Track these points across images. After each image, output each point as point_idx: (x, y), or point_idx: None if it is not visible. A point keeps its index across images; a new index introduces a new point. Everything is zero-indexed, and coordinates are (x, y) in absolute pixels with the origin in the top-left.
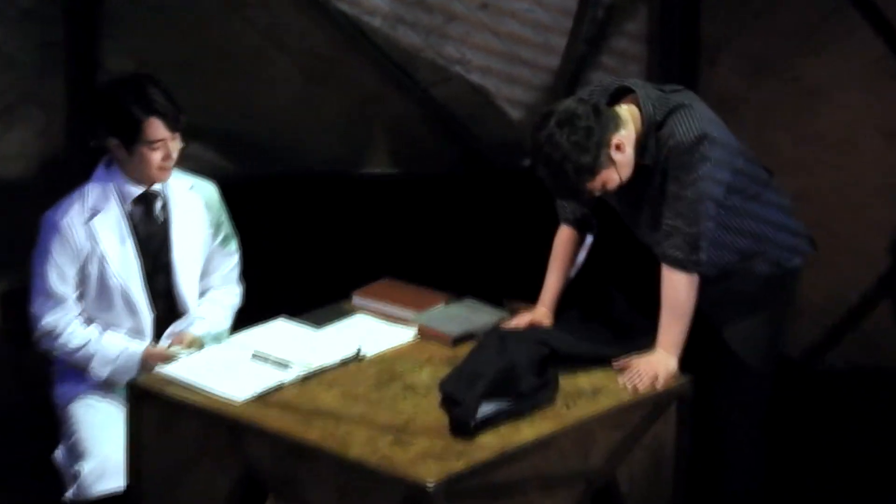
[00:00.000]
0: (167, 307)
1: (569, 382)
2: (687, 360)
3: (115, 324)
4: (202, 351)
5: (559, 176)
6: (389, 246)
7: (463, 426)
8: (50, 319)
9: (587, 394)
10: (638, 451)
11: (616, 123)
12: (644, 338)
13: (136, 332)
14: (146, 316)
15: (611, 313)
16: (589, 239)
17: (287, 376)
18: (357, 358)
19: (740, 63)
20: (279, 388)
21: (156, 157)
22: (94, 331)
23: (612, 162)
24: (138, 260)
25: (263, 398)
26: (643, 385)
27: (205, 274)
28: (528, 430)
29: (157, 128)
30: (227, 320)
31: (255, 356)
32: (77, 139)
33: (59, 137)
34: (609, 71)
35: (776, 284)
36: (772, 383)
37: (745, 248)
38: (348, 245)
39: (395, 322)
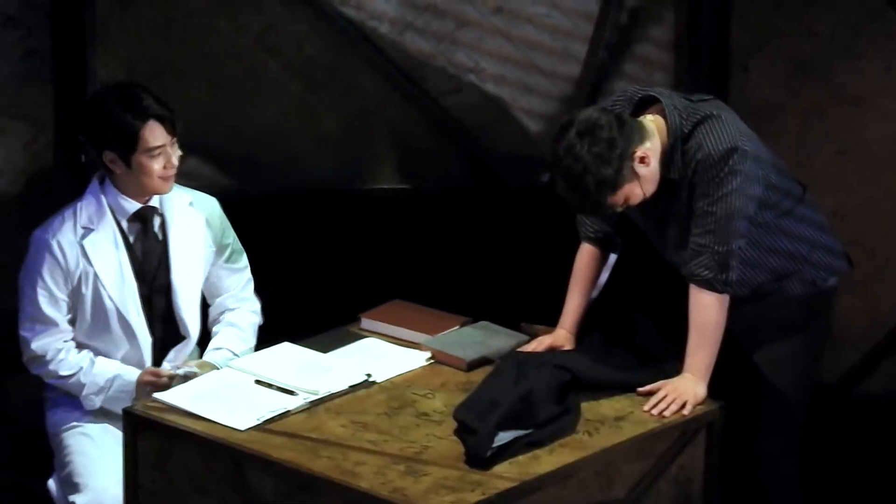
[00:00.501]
0: (167, 331)
1: (590, 409)
2: (717, 385)
3: (111, 349)
4: (202, 377)
5: (579, 190)
6: (399, 266)
7: (478, 456)
8: (40, 344)
9: (610, 421)
10: (664, 483)
11: (641, 135)
12: (670, 364)
13: (134, 358)
14: (144, 340)
15: (635, 338)
16: (612, 258)
17: (292, 403)
18: (366, 384)
19: (775, 69)
20: (284, 416)
21: (157, 165)
22: (86, 357)
23: (636, 175)
24: (135, 281)
25: (267, 427)
26: (670, 412)
27: (215, 295)
28: (547, 460)
29: (155, 133)
30: (246, 342)
31: (258, 382)
32: (65, 153)
33: (46, 151)
34: (633, 80)
35: (811, 306)
36: (806, 410)
37: (777, 267)
38: (355, 265)
39: (406, 346)
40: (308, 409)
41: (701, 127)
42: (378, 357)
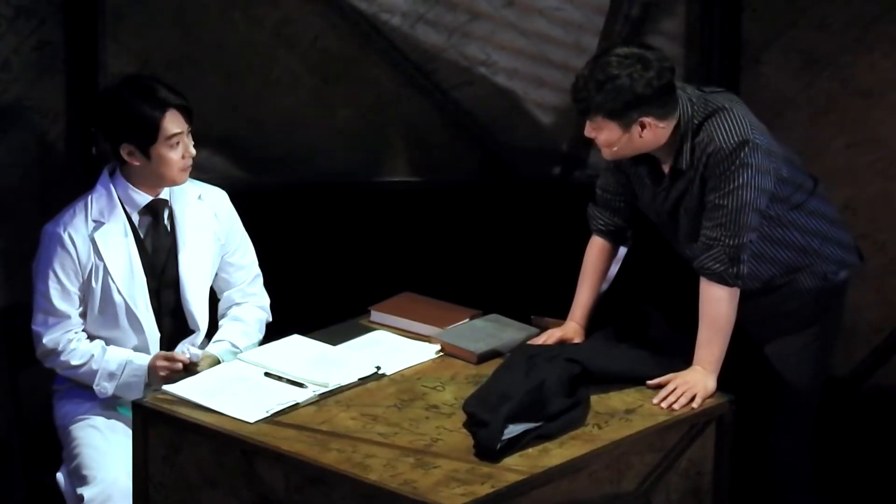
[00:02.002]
0: (175, 325)
1: (600, 402)
2: (728, 379)
3: (120, 342)
4: (212, 369)
5: (581, 81)
6: (409, 258)
7: (488, 449)
8: (52, 338)
9: (620, 414)
10: (674, 476)
11: (668, 111)
12: (681, 357)
13: (143, 352)
14: (152, 334)
15: (646, 331)
16: (622, 251)
17: (302, 396)
18: (376, 376)
19: (787, 62)
20: (294, 409)
21: (175, 155)
22: (97, 346)
23: (626, 128)
24: (144, 275)
25: (277, 419)
26: (679, 405)
27: (223, 290)
28: (557, 453)
29: (174, 121)
30: (249, 337)
31: (267, 375)
32: (77, 145)
33: (59, 143)
34: None
35: (822, 300)
36: (817, 404)
37: (788, 260)
38: (365, 258)
39: (416, 339)
40: (318, 401)
41: (712, 119)
42: (388, 350)
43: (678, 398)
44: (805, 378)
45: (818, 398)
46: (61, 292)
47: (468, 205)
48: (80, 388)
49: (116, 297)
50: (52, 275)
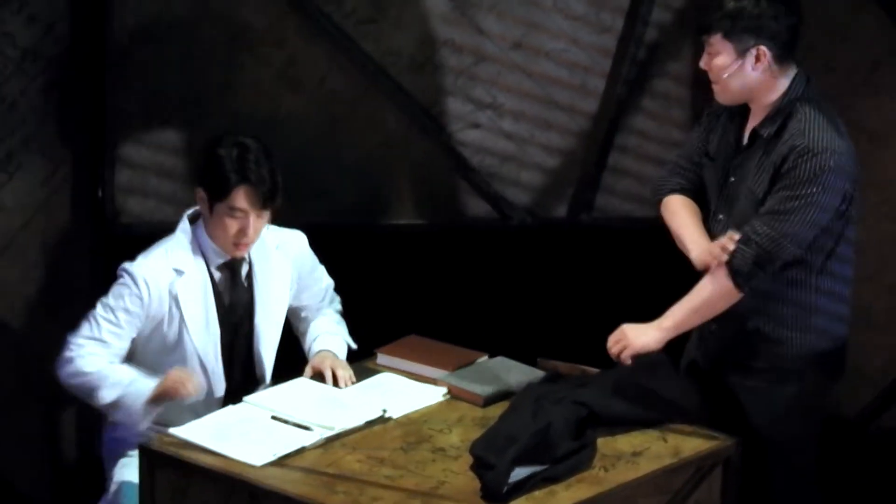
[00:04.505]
0: (244, 376)
1: (607, 445)
2: (733, 423)
3: None
4: (217, 413)
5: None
6: (415, 301)
7: (495, 491)
8: (80, 349)
9: (627, 457)
10: None
11: (784, 54)
12: (688, 401)
13: (207, 401)
14: (219, 385)
15: (653, 374)
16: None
17: (309, 439)
18: (382, 419)
19: None
20: (300, 452)
21: (232, 225)
22: (114, 364)
23: (741, 53)
24: (219, 329)
25: (284, 462)
26: (611, 351)
27: (300, 313)
28: (564, 496)
29: (244, 197)
30: (340, 323)
31: (274, 418)
32: (84, 188)
33: (65, 186)
34: (651, 115)
35: (817, 357)
36: (817, 443)
37: (783, 315)
38: (371, 300)
39: (422, 381)
40: (324, 444)
41: (812, 109)
42: (394, 392)
43: (613, 345)
44: (800, 423)
45: (816, 438)
46: (114, 331)
47: (474, 247)
48: (118, 422)
49: (188, 347)
50: (112, 313)
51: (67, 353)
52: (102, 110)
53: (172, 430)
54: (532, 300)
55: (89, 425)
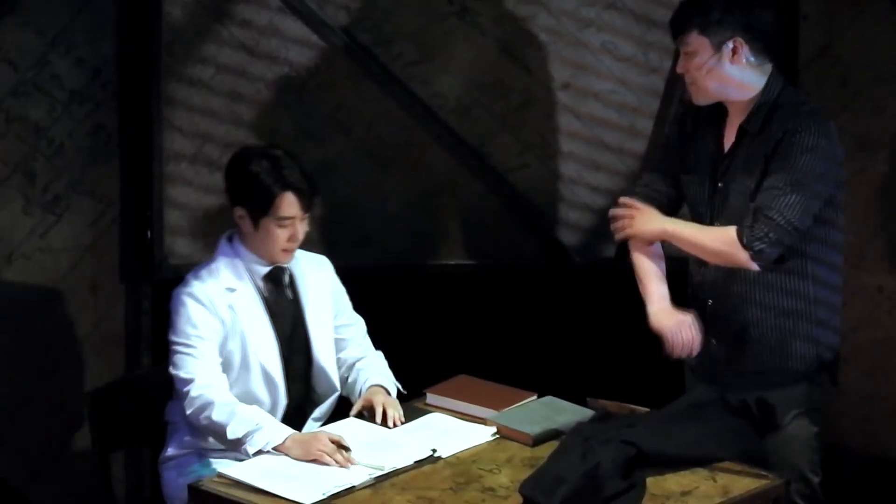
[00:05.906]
0: (303, 391)
1: (656, 484)
2: (781, 462)
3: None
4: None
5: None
6: (465, 341)
7: None
8: (203, 384)
9: (676, 497)
10: None
11: (760, 47)
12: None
13: (270, 413)
14: (282, 401)
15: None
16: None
17: (358, 478)
18: (432, 459)
19: (841, 145)
20: (350, 492)
21: (282, 235)
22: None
23: (717, 47)
24: (276, 341)
25: (333, 501)
26: (613, 225)
27: (340, 349)
28: None
29: (290, 204)
30: (387, 368)
31: None
32: (132, 230)
33: (113, 228)
34: None
35: (814, 380)
36: (821, 466)
37: (787, 307)
38: (421, 341)
39: (471, 421)
40: (373, 484)
41: (796, 105)
42: (444, 432)
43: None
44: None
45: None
46: (203, 346)
47: (523, 288)
48: (191, 456)
49: (252, 362)
50: (192, 330)
51: (190, 395)
52: (149, 153)
53: (222, 470)
54: (580, 340)
55: (139, 466)
